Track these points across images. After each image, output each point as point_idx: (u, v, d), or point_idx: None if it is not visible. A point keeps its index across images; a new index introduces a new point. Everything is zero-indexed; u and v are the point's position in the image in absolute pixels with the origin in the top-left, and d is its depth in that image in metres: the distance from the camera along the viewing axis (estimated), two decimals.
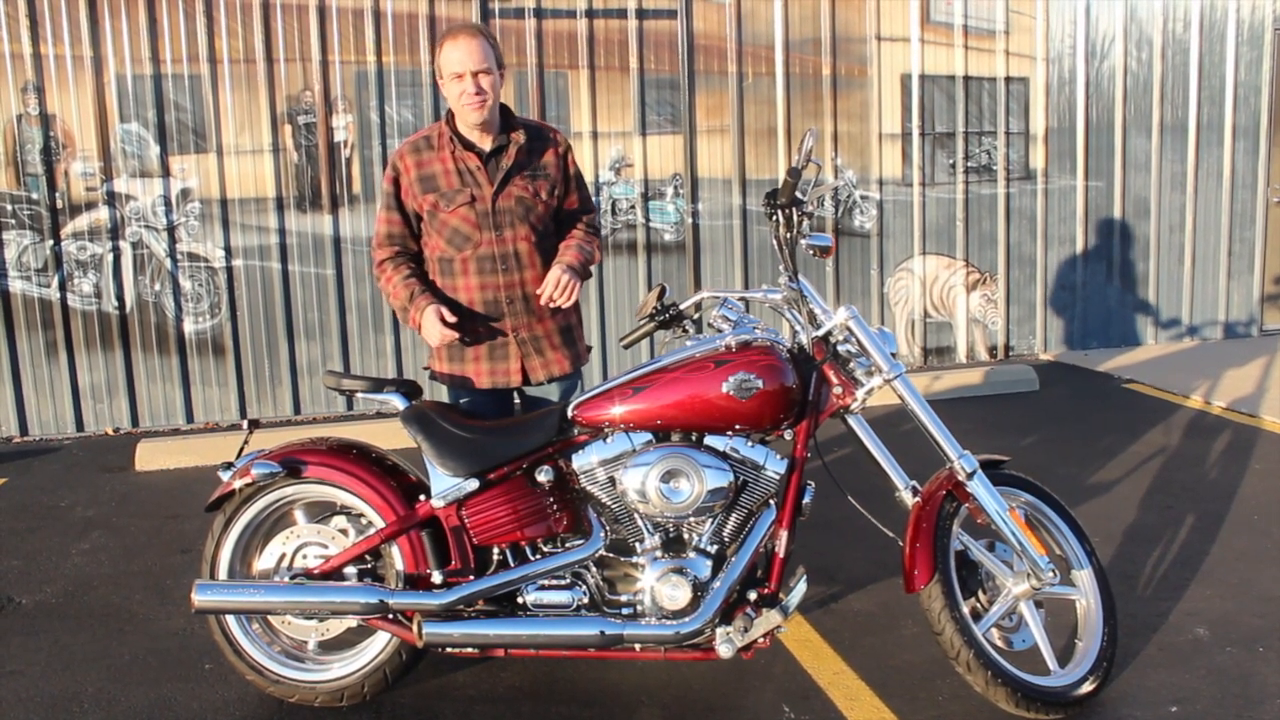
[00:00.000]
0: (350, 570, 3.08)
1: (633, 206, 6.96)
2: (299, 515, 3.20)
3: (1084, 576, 3.15)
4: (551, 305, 3.24)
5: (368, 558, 3.11)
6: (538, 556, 3.04)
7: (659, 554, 2.97)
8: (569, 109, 6.80)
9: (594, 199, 6.66)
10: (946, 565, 2.96)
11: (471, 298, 3.30)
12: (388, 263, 3.38)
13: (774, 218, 3.04)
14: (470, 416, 3.18)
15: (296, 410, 6.58)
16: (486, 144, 3.29)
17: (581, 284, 3.30)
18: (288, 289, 6.48)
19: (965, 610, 2.96)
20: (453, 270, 3.31)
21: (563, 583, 3.03)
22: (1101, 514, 4.57)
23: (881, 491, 3.13)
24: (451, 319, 3.22)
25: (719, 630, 2.92)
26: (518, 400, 3.51)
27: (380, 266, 3.40)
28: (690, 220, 7.05)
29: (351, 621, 3.12)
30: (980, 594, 3.07)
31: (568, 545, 3.05)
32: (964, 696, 3.11)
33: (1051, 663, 3.06)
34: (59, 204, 6.17)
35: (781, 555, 2.97)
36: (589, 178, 6.78)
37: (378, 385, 3.17)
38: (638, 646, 2.96)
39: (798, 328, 3.09)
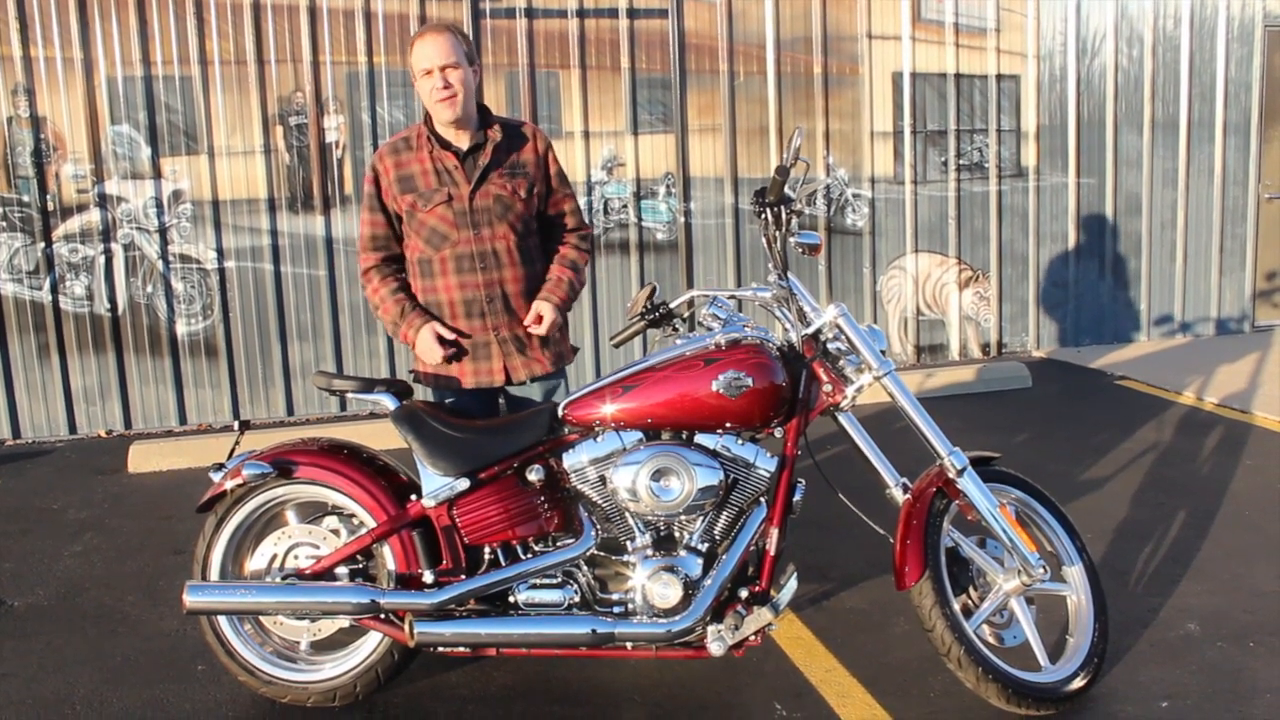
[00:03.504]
0: (342, 570, 3.08)
1: (625, 206, 6.96)
2: (290, 516, 3.20)
3: (1075, 573, 3.16)
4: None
5: (359, 558, 3.11)
6: (529, 555, 3.05)
7: (650, 552, 2.98)
8: (560, 109, 6.80)
9: (585, 199, 6.72)
10: (937, 562, 2.97)
11: (452, 297, 3.31)
12: (373, 272, 3.39)
13: (763, 216, 3.05)
14: (460, 416, 3.18)
15: (289, 411, 6.57)
16: (464, 142, 3.29)
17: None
18: (280, 290, 6.47)
19: (956, 607, 2.97)
20: (432, 270, 3.31)
21: (554, 582, 3.03)
22: (1093, 510, 4.58)
23: (872, 489, 3.14)
24: (450, 336, 3.27)
25: (710, 628, 2.93)
26: (503, 401, 3.51)
27: (366, 275, 3.40)
28: (682, 219, 7.05)
29: (343, 622, 3.12)
30: (971, 590, 3.08)
31: (559, 544, 3.05)
32: (955, 693, 3.12)
33: (1043, 659, 3.07)
34: (50, 206, 6.16)
35: (772, 553, 2.98)
36: (580, 177, 6.78)
37: (368, 385, 3.17)
38: (629, 645, 2.97)
39: (788, 326, 3.09)
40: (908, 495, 3.06)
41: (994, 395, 6.82)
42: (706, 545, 2.98)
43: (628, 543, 3.01)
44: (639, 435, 2.98)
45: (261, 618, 3.16)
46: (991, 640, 3.05)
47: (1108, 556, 4.09)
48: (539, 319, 3.33)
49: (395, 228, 3.38)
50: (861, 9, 7.26)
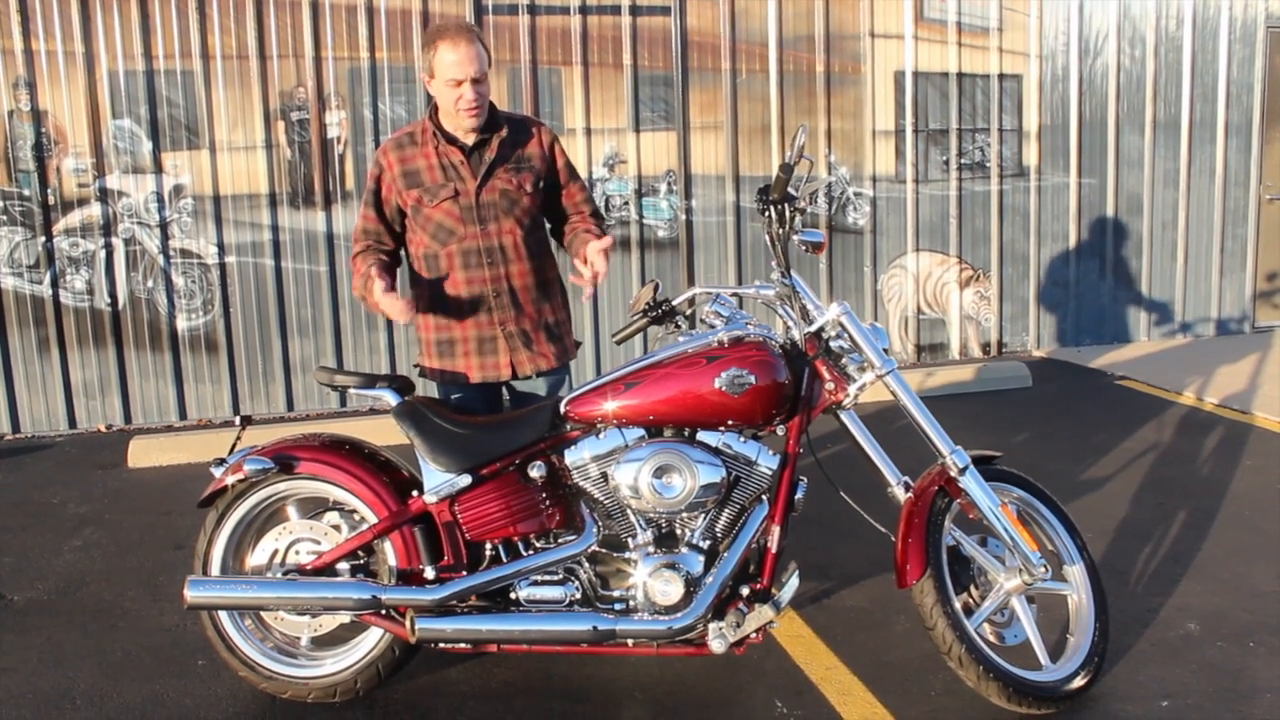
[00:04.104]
0: (343, 566, 3.08)
1: (626, 203, 6.96)
2: (292, 511, 3.20)
3: (1076, 572, 3.16)
4: (588, 274, 3.16)
5: (360, 553, 3.11)
6: (530, 552, 3.04)
7: (651, 549, 2.98)
8: (563, 105, 6.80)
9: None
10: (939, 560, 2.97)
11: (459, 292, 3.30)
12: (358, 257, 3.37)
13: (766, 214, 3.04)
14: (462, 412, 3.18)
15: (290, 407, 6.57)
16: (469, 138, 3.28)
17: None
18: (281, 285, 6.47)
19: (957, 605, 2.97)
20: (438, 265, 3.31)
21: (555, 578, 3.03)
22: (1094, 510, 4.58)
23: (874, 487, 3.14)
24: (383, 286, 3.14)
25: (711, 625, 2.93)
26: (507, 396, 3.51)
27: (353, 260, 3.40)
28: (684, 217, 7.05)
29: (344, 617, 3.12)
30: (972, 589, 3.08)
31: (560, 541, 3.05)
32: (956, 691, 3.12)
33: (1043, 658, 3.07)
34: (51, 200, 6.15)
35: (774, 551, 2.97)
36: (582, 174, 6.76)
37: (370, 381, 3.16)
38: (630, 642, 2.96)
39: (790, 323, 3.09)
40: (909, 494, 3.06)
41: (994, 394, 6.82)
42: (708, 543, 2.98)
43: (629, 540, 3.01)
44: (641, 432, 2.98)
45: (262, 613, 3.16)
46: (992, 639, 3.05)
47: (1108, 556, 4.09)
48: (602, 254, 3.15)
49: (388, 225, 3.37)
50: (864, 8, 7.25)
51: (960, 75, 7.52)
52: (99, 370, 6.29)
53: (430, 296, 3.34)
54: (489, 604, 3.02)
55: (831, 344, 3.04)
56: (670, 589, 2.91)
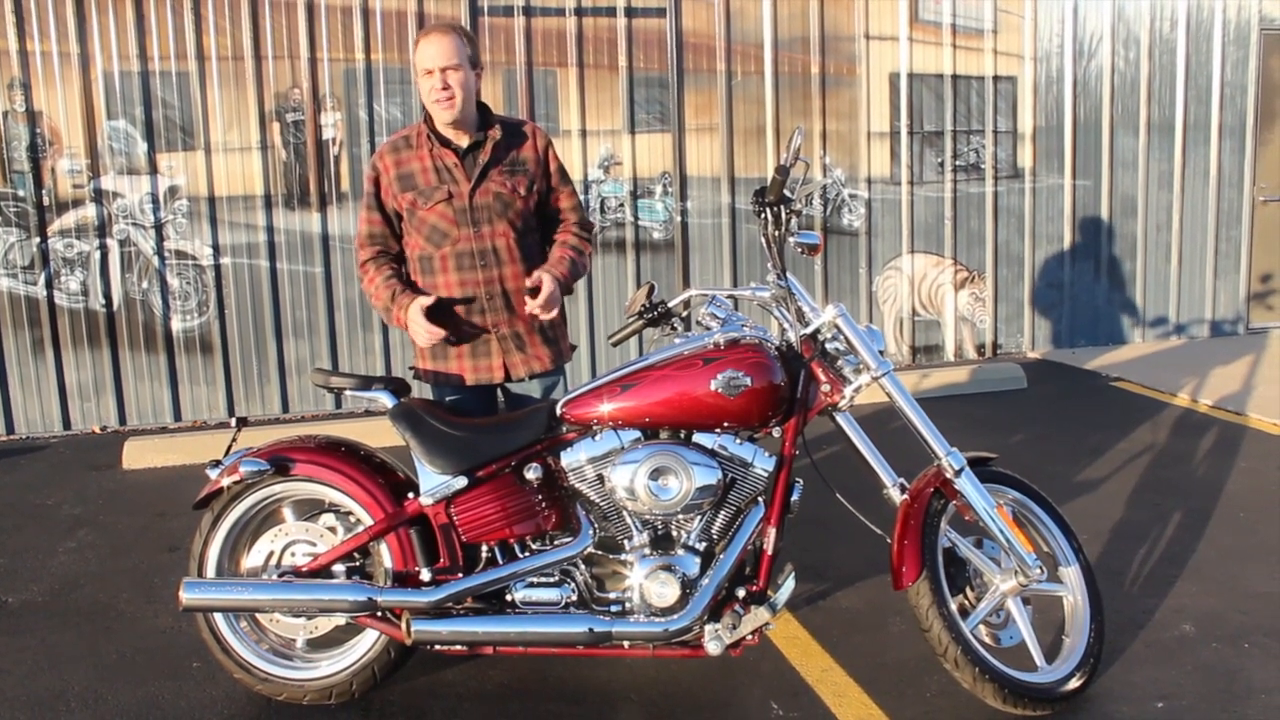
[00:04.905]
0: (339, 568, 3.07)
1: (621, 205, 6.96)
2: (287, 513, 3.20)
3: (1071, 573, 3.17)
4: (529, 313, 3.25)
5: (356, 555, 3.10)
6: (526, 554, 3.04)
7: (647, 551, 2.97)
8: (558, 107, 6.80)
9: (582, 197, 6.71)
10: (934, 562, 2.97)
11: (452, 294, 3.31)
12: (370, 264, 3.38)
13: (762, 215, 3.05)
14: (458, 414, 3.18)
15: (285, 409, 6.56)
16: (463, 141, 3.29)
17: (566, 295, 3.35)
18: (276, 287, 6.46)
19: (953, 607, 2.97)
20: (432, 267, 3.32)
21: (551, 580, 3.02)
22: (1089, 511, 4.59)
23: (870, 489, 3.14)
24: (429, 301, 3.22)
25: (707, 627, 2.93)
26: (502, 398, 3.51)
27: (363, 267, 3.41)
28: (679, 218, 7.05)
29: (340, 619, 3.12)
30: (968, 591, 3.08)
31: (556, 543, 3.04)
32: (952, 693, 3.12)
33: (1039, 659, 3.07)
34: (46, 201, 6.14)
35: (770, 553, 2.98)
36: (577, 176, 6.78)
37: (366, 383, 3.16)
38: (626, 644, 2.96)
39: (786, 325, 3.09)
40: (905, 495, 3.06)
41: (989, 396, 6.82)
42: (704, 544, 2.98)
43: (625, 541, 3.01)
44: (637, 434, 2.98)
45: (258, 615, 3.15)
46: (988, 640, 3.06)
47: (1104, 557, 4.10)
48: (538, 286, 3.21)
49: (392, 227, 3.39)
50: (859, 9, 7.26)
51: (955, 77, 7.53)
52: (94, 371, 6.28)
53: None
54: (485, 606, 3.02)
55: (827, 346, 3.05)
56: (666, 591, 2.91)
